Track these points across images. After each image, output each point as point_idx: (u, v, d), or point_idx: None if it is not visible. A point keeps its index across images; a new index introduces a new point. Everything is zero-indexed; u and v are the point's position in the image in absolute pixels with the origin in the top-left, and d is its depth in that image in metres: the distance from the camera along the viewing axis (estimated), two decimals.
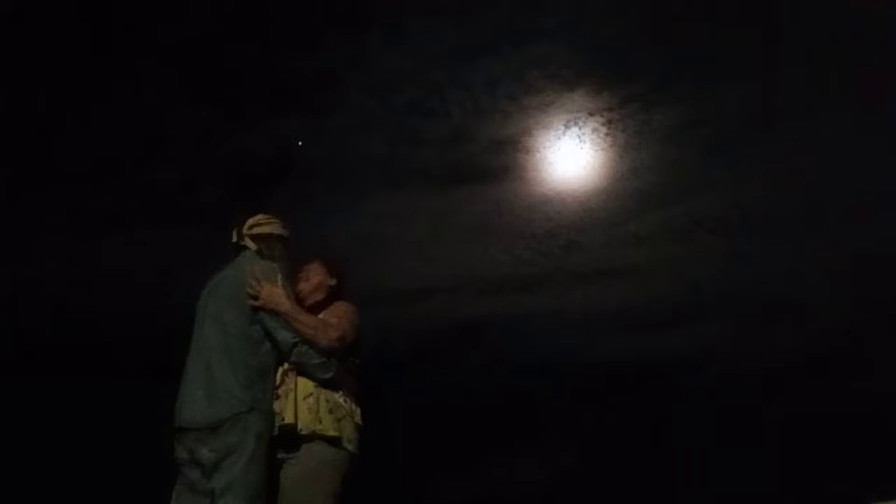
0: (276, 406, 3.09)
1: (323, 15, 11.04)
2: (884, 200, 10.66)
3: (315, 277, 3.40)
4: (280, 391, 3.12)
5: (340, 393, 3.14)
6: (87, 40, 10.69)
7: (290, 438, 3.06)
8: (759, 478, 10.06)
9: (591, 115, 11.26)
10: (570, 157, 11.57)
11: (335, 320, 3.17)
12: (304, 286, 3.38)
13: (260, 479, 3.00)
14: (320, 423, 3.04)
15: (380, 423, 3.44)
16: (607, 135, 11.38)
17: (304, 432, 3.04)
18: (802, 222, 11.35)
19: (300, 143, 11.57)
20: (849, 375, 10.79)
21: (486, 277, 11.99)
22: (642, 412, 11.17)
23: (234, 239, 3.39)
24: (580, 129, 11.37)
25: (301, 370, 3.12)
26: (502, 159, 11.75)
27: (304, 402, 3.07)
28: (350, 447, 3.09)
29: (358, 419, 3.17)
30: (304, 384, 3.10)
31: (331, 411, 3.07)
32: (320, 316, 3.24)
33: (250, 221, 3.39)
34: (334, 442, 3.05)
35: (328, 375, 3.12)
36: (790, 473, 9.76)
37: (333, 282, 3.41)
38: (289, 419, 3.04)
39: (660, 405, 11.14)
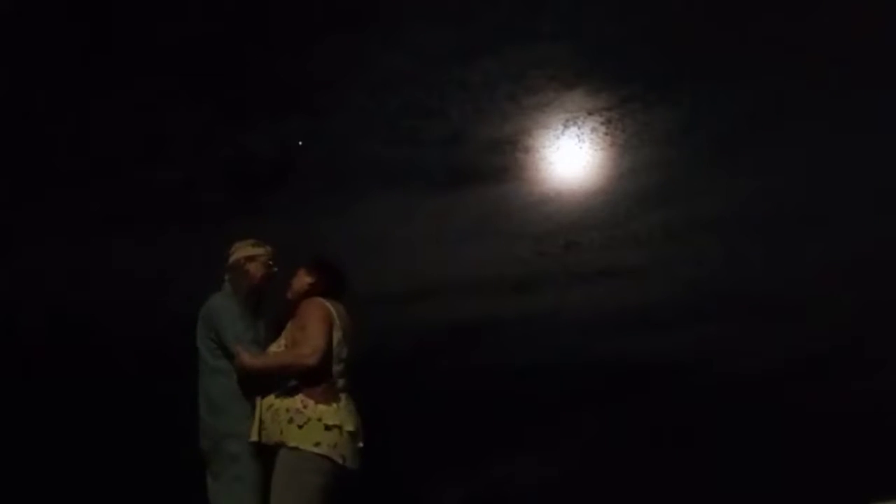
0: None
1: (322, 15, 11.04)
2: (884, 200, 10.66)
3: (296, 284, 3.44)
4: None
5: (300, 398, 3.10)
6: (87, 40, 10.69)
7: (265, 454, 3.11)
8: (760, 478, 10.06)
9: (590, 114, 11.26)
10: (570, 156, 11.57)
11: (302, 339, 3.17)
12: (288, 295, 3.46)
13: (243, 491, 3.09)
14: (281, 433, 3.05)
15: (379, 423, 3.42)
16: (606, 134, 11.38)
17: (269, 443, 3.09)
18: (802, 222, 11.35)
19: (300, 144, 11.57)
20: (849, 375, 10.79)
21: (486, 277, 11.97)
22: (642, 412, 11.17)
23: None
24: (579, 128, 11.37)
25: (265, 385, 3.19)
26: (501, 159, 11.74)
27: (266, 412, 3.12)
28: (318, 450, 3.02)
29: (329, 420, 3.06)
30: (270, 398, 3.15)
31: (290, 420, 3.05)
32: (288, 327, 3.31)
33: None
34: (297, 449, 3.03)
35: (290, 383, 3.16)
36: (790, 473, 9.76)
37: (310, 281, 3.42)
38: (253, 436, 3.11)
39: (660, 405, 11.13)
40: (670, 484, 10.04)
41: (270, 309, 3.51)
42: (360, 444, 3.19)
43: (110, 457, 9.39)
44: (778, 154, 11.25)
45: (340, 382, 3.21)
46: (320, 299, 3.31)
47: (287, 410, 3.07)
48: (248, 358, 3.19)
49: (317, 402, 3.08)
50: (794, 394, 10.87)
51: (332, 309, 3.28)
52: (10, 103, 10.07)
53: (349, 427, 3.10)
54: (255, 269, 3.43)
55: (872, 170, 10.74)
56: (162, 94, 10.96)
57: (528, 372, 11.28)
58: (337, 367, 3.21)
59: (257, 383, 3.20)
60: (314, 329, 3.17)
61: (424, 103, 11.76)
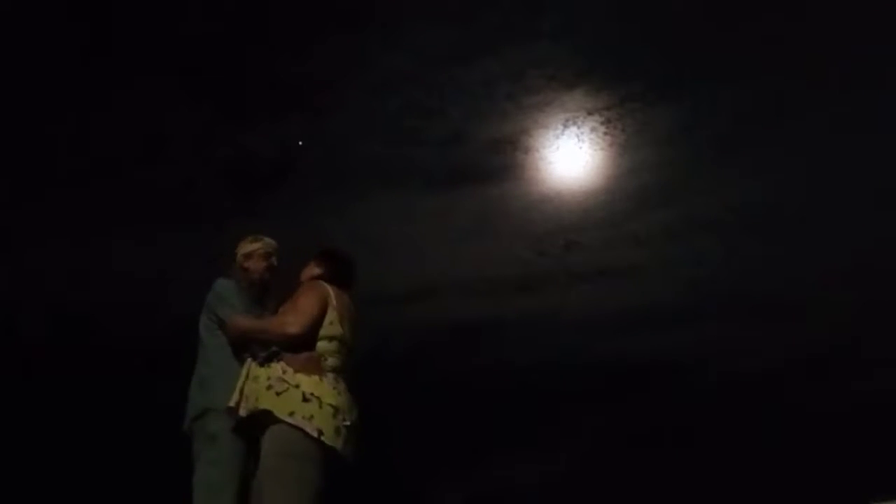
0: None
1: (322, 15, 11.05)
2: (883, 200, 10.67)
3: (305, 275, 3.50)
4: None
5: (281, 365, 3.12)
6: (87, 40, 10.70)
7: (243, 423, 3.11)
8: (760, 478, 10.07)
9: (589, 114, 11.27)
10: (569, 156, 11.58)
11: (290, 310, 3.24)
12: (298, 284, 3.49)
13: (217, 477, 3.12)
14: (258, 399, 3.06)
15: (379, 423, 3.42)
16: (606, 134, 11.39)
17: (243, 414, 3.10)
18: (802, 222, 11.36)
19: (300, 144, 11.58)
20: (849, 375, 10.80)
21: (486, 277, 12.00)
22: (642, 412, 11.18)
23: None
24: (579, 128, 11.38)
25: (252, 356, 3.24)
26: (501, 159, 11.78)
27: (250, 383, 3.13)
28: (291, 420, 2.99)
29: (307, 389, 3.05)
30: (254, 368, 3.17)
31: (269, 387, 3.06)
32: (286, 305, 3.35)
33: None
34: (274, 419, 3.02)
35: (267, 352, 3.20)
36: (790, 473, 9.77)
37: (318, 271, 3.47)
38: (231, 402, 3.12)
39: (659, 405, 11.15)
40: (670, 484, 10.05)
41: (275, 301, 3.54)
42: (346, 423, 3.09)
43: (110, 455, 9.40)
44: (778, 154, 11.27)
45: (330, 361, 3.20)
46: (320, 281, 3.37)
47: (268, 378, 3.09)
48: (237, 318, 3.27)
49: (296, 371, 3.09)
50: (794, 394, 10.89)
51: (329, 290, 3.32)
52: (10, 103, 10.08)
53: (329, 400, 3.06)
54: (254, 264, 3.53)
55: (872, 170, 10.75)
56: (162, 94, 10.98)
57: (529, 372, 11.30)
58: (327, 345, 3.21)
59: (246, 358, 3.22)
60: (303, 302, 3.23)
61: (424, 103, 11.79)
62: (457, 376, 11.08)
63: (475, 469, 10.85)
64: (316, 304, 3.23)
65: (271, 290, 3.54)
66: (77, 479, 9.27)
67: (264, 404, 3.02)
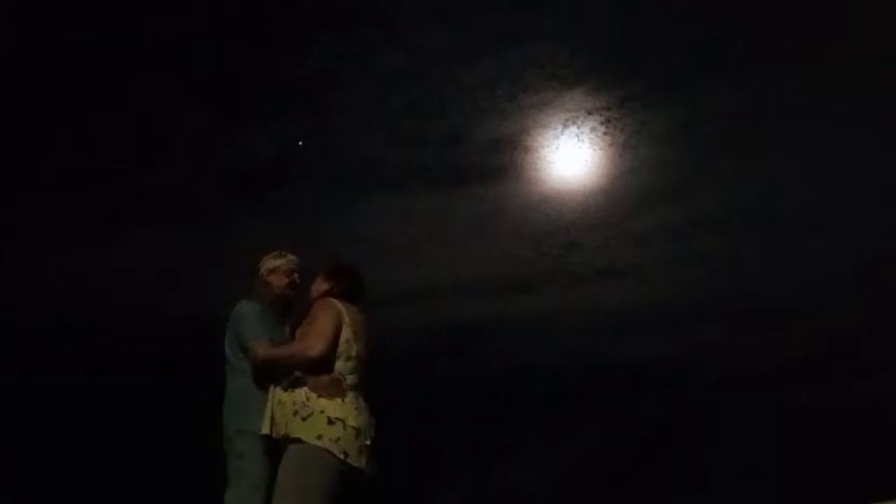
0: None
1: (322, 15, 11.06)
2: (883, 200, 10.66)
3: (314, 290, 3.58)
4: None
5: (305, 391, 3.23)
6: (86, 41, 10.71)
7: (276, 447, 3.23)
8: (760, 479, 10.06)
9: (589, 114, 11.26)
10: (569, 156, 11.57)
11: (309, 333, 3.33)
12: (307, 299, 3.60)
13: (243, 493, 3.25)
14: (287, 426, 3.18)
15: (379, 424, 3.44)
16: (606, 134, 11.38)
17: (276, 437, 3.22)
18: (802, 222, 11.35)
19: (300, 144, 11.59)
20: (849, 376, 10.79)
21: (485, 278, 11.98)
22: (642, 413, 11.17)
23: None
24: (579, 128, 11.37)
25: (276, 380, 3.34)
26: (501, 159, 11.75)
27: (277, 407, 3.25)
28: (320, 443, 3.11)
29: (332, 413, 3.17)
30: (279, 392, 3.28)
31: (296, 413, 3.18)
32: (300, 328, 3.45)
33: None
34: (300, 442, 3.14)
35: (291, 377, 3.30)
36: (790, 474, 9.76)
37: (326, 286, 3.55)
38: (264, 429, 3.24)
39: (659, 406, 11.14)
40: (670, 484, 10.04)
41: (296, 316, 3.63)
42: (367, 442, 3.24)
43: (111, 455, 9.41)
44: (778, 153, 11.26)
45: (349, 379, 3.31)
46: (331, 299, 3.45)
47: (293, 403, 3.20)
48: (259, 348, 3.35)
49: (319, 396, 3.20)
50: (793, 394, 10.88)
51: (342, 308, 3.40)
52: (11, 104, 10.09)
53: (353, 423, 3.19)
54: (277, 280, 3.63)
55: (872, 170, 10.74)
56: (162, 95, 10.98)
57: (528, 372, 11.29)
58: (345, 365, 3.31)
59: (271, 380, 3.34)
60: (320, 324, 3.31)
61: (424, 103, 11.79)
62: (456, 376, 11.09)
63: (474, 469, 10.85)
64: (331, 324, 3.32)
65: (294, 307, 3.63)
66: (78, 479, 9.28)
67: (295, 432, 3.15)
